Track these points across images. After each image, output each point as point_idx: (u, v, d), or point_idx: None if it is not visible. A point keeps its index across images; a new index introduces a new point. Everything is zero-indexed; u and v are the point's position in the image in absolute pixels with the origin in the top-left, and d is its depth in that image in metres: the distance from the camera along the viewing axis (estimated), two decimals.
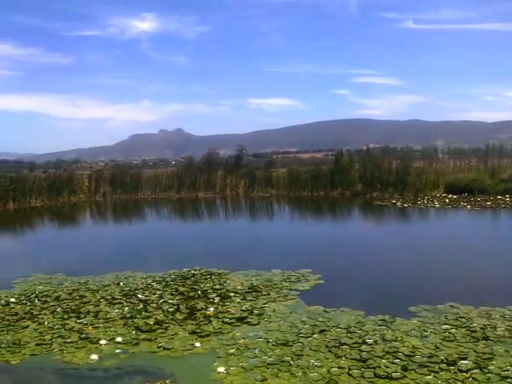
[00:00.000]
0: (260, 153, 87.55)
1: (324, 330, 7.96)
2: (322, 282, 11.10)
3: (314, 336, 7.73)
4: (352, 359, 6.84)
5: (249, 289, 10.53)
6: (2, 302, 10.18)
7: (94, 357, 7.19)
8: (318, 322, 8.36)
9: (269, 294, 10.12)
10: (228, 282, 11.22)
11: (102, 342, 7.73)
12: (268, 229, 20.84)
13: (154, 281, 11.43)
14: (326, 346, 7.31)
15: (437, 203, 25.16)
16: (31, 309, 9.63)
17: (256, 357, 7.02)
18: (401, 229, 20.28)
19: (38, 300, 10.19)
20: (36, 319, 9.02)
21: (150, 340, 7.84)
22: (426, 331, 7.82)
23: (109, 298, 10.16)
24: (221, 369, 6.63)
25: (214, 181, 33.67)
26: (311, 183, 31.70)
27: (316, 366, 6.66)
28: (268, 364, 6.77)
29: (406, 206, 24.97)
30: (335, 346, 7.29)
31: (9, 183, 29.76)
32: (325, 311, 8.96)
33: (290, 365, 6.72)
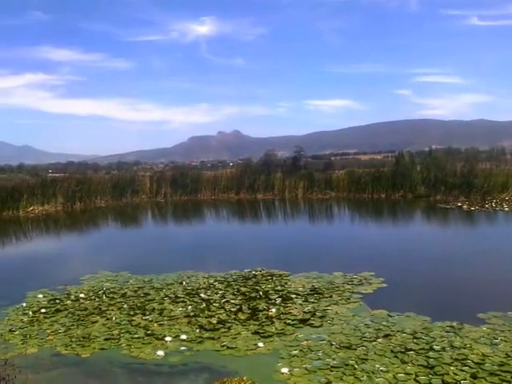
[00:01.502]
0: (318, 154, 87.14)
1: (389, 335, 7.82)
2: (385, 285, 10.92)
3: (379, 340, 7.61)
4: (419, 365, 6.69)
5: (310, 291, 10.49)
6: (72, 297, 10.60)
7: (160, 353, 7.36)
8: (382, 326, 8.23)
9: (331, 297, 10.04)
10: (289, 283, 11.21)
11: (168, 338, 7.91)
12: (328, 231, 20.70)
13: (215, 281, 11.58)
14: (392, 351, 7.18)
15: (506, 207, 24.19)
16: (99, 304, 9.96)
17: (319, 359, 6.99)
18: (468, 232, 19.65)
19: (106, 296, 10.53)
20: (104, 315, 9.32)
21: (213, 339, 7.95)
22: (496, 339, 7.55)
23: (172, 296, 10.37)
24: (284, 370, 6.64)
25: (273, 182, 33.70)
26: (372, 185, 31.22)
27: (381, 370, 6.56)
28: (332, 367, 6.72)
29: (472, 209, 24.13)
30: (401, 352, 7.15)
31: (75, 184, 30.87)
32: (389, 315, 8.81)
33: (355, 368, 6.64)
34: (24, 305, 10.13)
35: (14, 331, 8.59)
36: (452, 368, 6.55)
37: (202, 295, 10.28)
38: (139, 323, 8.75)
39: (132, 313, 9.36)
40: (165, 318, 8.95)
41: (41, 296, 10.75)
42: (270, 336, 7.96)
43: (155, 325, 8.62)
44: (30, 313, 9.58)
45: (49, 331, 8.55)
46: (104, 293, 10.79)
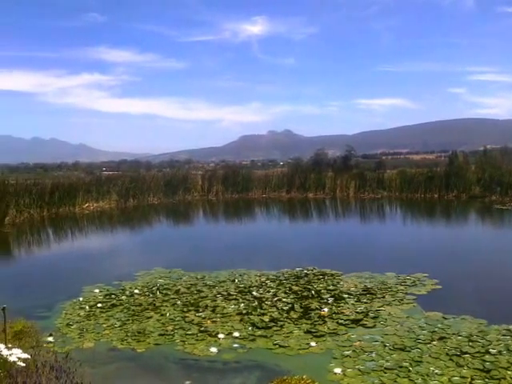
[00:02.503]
0: (369, 154, 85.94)
1: (444, 337, 7.64)
2: (439, 287, 10.67)
3: (434, 343, 7.45)
4: (474, 369, 6.51)
5: (363, 291, 10.37)
6: (127, 293, 10.84)
7: (214, 349, 7.44)
8: (436, 329, 8.04)
9: (384, 297, 9.90)
10: (341, 283, 11.12)
11: (221, 335, 7.98)
12: (380, 231, 20.42)
13: (267, 279, 11.61)
14: (447, 354, 7.01)
15: None
16: (153, 300, 10.16)
17: (373, 360, 6.90)
18: None
19: (160, 292, 10.73)
20: (158, 310, 9.50)
21: (266, 337, 7.97)
22: None
23: (225, 293, 10.47)
24: (337, 370, 6.59)
25: (324, 181, 33.50)
26: (424, 185, 30.58)
27: (436, 373, 6.42)
28: (385, 368, 6.62)
29: None
30: (456, 355, 6.97)
31: (129, 182, 31.60)
32: (444, 318, 8.60)
33: (409, 371, 6.53)
34: (81, 299, 10.44)
35: (71, 325, 8.86)
36: (509, 372, 6.34)
37: (254, 293, 10.33)
38: (192, 320, 8.87)
39: (185, 309, 9.49)
40: (218, 315, 9.04)
41: (97, 291, 11.05)
42: (323, 335, 7.93)
43: (208, 321, 8.73)
44: (87, 307, 9.86)
45: (105, 326, 8.78)
46: (158, 289, 10.99)
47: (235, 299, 10.01)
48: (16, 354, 4.70)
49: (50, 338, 8.03)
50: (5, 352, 4.70)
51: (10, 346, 5.33)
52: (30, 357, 4.92)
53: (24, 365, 4.58)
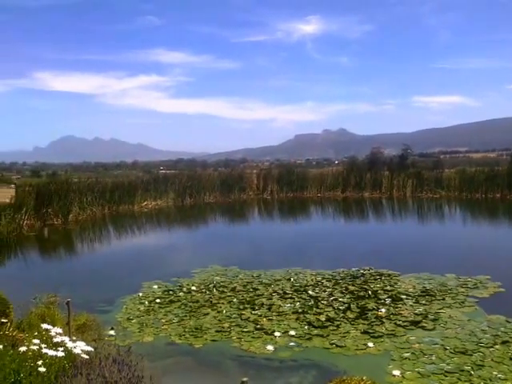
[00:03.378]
0: (426, 152, 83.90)
1: (507, 342, 7.38)
2: (502, 290, 10.31)
3: (496, 347, 7.21)
4: None
5: (422, 292, 10.14)
6: (185, 289, 11.03)
7: (270, 347, 7.46)
8: (499, 333, 7.77)
9: (443, 299, 9.65)
10: (399, 283, 10.91)
11: (277, 334, 8.00)
12: (439, 231, 19.89)
13: (323, 278, 11.54)
14: (510, 359, 6.77)
15: None
16: (210, 297, 10.28)
17: (433, 363, 6.74)
18: None
19: (216, 290, 10.85)
20: (215, 307, 9.61)
21: (322, 336, 7.93)
22: None
23: (280, 292, 10.47)
24: (396, 372, 6.48)
25: (380, 181, 32.97)
26: (485, 185, 29.59)
27: (499, 378, 6.21)
28: (446, 372, 6.46)
29: None
30: None
31: (186, 181, 32.12)
32: (507, 321, 8.30)
33: (471, 375, 6.34)
34: (140, 295, 10.69)
35: (131, 319, 9.10)
36: None
37: (309, 292, 10.29)
38: (249, 317, 8.92)
39: (241, 307, 9.57)
40: (273, 314, 9.06)
41: (155, 287, 11.30)
42: (380, 336, 7.81)
43: (264, 320, 8.76)
44: (146, 302, 10.10)
45: (163, 321, 8.97)
46: (214, 286, 11.13)
47: (291, 298, 10.01)
48: (80, 347, 4.88)
49: (112, 332, 8.28)
50: (70, 344, 4.88)
51: (74, 338, 5.51)
52: (93, 349, 5.08)
53: (87, 357, 4.73)
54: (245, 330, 8.32)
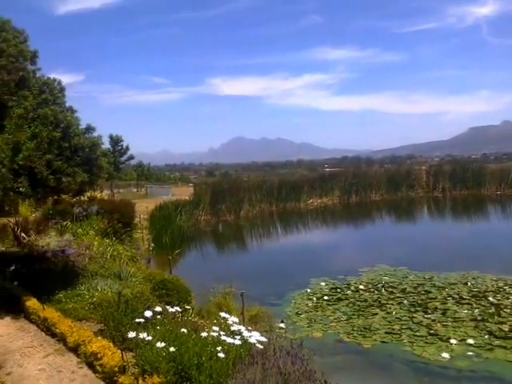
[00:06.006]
0: None
1: None
2: None
3: None
4: None
5: None
6: (352, 288, 10.88)
7: (445, 355, 6.99)
8: None
9: None
10: None
11: (453, 341, 7.48)
12: None
13: (506, 284, 10.53)
14: None
15: None
16: (378, 297, 10.00)
17: None
18: None
19: (385, 290, 10.53)
20: (384, 308, 9.32)
21: (505, 348, 7.23)
22: None
23: (456, 297, 9.80)
24: None
25: None
26: None
27: None
28: None
29: None
30: None
31: (352, 178, 31.84)
32: None
33: None
34: (308, 290, 10.78)
35: (300, 314, 9.22)
36: None
37: (490, 299, 9.48)
38: (421, 321, 8.49)
39: (412, 309, 9.16)
40: (448, 319, 8.50)
41: (323, 284, 11.30)
42: None
43: (438, 325, 8.26)
44: (314, 299, 10.15)
45: (332, 318, 8.92)
46: (383, 286, 10.81)
47: (468, 304, 9.32)
48: (255, 337, 4.97)
49: (282, 325, 8.44)
50: (245, 333, 5.00)
51: (249, 328, 5.66)
52: (267, 340, 5.15)
53: (262, 347, 4.81)
54: (417, 334, 7.93)
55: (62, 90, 8.46)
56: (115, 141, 28.83)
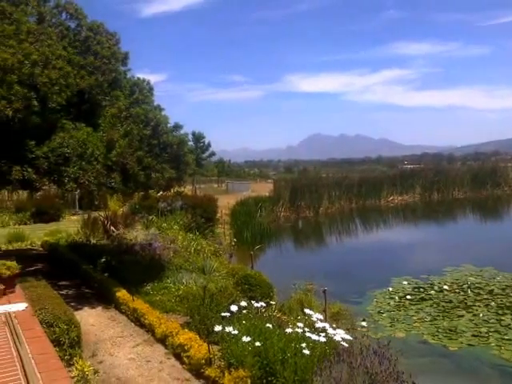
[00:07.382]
0: None
1: None
2: None
3: None
4: None
5: None
6: (436, 288, 10.64)
7: None
8: None
9: None
10: None
11: None
12: None
13: None
14: None
15: None
16: (464, 299, 9.73)
17: None
18: None
19: (471, 291, 10.22)
20: (470, 310, 9.06)
21: None
22: None
23: None
24: None
25: None
26: None
27: None
28: None
29: None
30: None
31: (433, 175, 31.00)
32: None
33: None
34: (390, 289, 10.65)
35: (382, 313, 9.14)
36: None
37: None
38: (509, 324, 8.21)
39: (501, 312, 8.84)
40: None
41: (405, 283, 11.14)
42: None
43: None
44: (396, 298, 10.02)
45: (415, 318, 8.78)
46: (469, 287, 10.50)
47: None
48: (340, 334, 5.04)
49: (364, 323, 8.41)
50: (330, 331, 5.08)
51: (334, 325, 5.74)
52: (352, 339, 5.21)
53: (347, 345, 4.87)
54: (505, 337, 7.67)
55: (151, 89, 8.93)
56: (197, 138, 29.70)
